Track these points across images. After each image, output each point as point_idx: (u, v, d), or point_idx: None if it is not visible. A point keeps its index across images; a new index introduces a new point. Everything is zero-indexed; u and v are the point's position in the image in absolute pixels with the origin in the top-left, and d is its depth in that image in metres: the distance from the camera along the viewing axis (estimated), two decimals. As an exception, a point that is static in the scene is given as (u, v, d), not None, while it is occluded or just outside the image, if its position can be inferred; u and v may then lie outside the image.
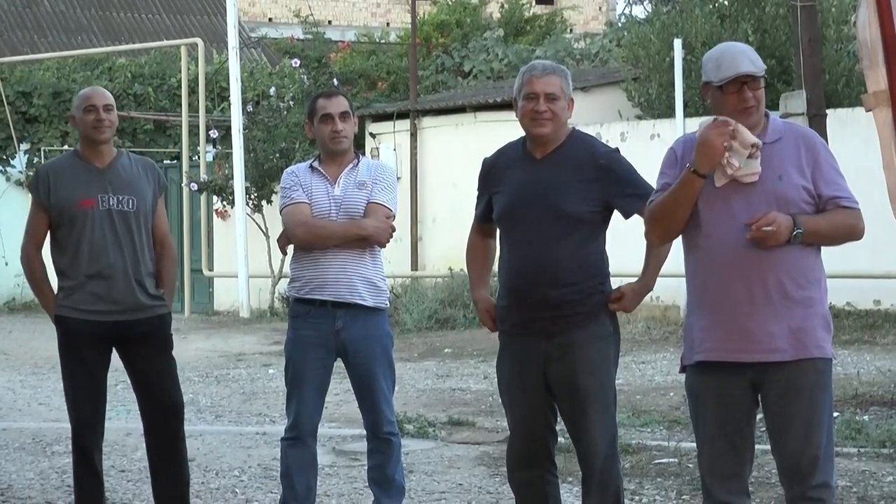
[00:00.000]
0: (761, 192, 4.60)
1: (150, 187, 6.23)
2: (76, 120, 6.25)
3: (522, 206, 5.32)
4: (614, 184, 5.33)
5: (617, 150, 5.47)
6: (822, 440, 4.66)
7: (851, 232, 4.71)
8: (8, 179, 23.55)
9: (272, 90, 20.89)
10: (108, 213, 6.10)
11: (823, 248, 4.76)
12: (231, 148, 19.54)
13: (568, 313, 5.26)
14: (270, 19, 34.00)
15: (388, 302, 6.33)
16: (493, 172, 5.48)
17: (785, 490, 4.77)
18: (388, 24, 34.08)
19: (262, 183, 19.65)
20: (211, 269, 21.35)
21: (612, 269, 5.45)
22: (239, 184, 19.25)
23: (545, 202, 5.28)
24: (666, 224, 4.78)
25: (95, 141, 6.18)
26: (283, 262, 18.37)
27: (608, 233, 5.44)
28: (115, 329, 6.11)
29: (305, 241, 6.18)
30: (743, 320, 4.61)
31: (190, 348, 15.32)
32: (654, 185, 4.87)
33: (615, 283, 5.44)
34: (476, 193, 5.66)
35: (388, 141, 20.98)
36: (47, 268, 6.24)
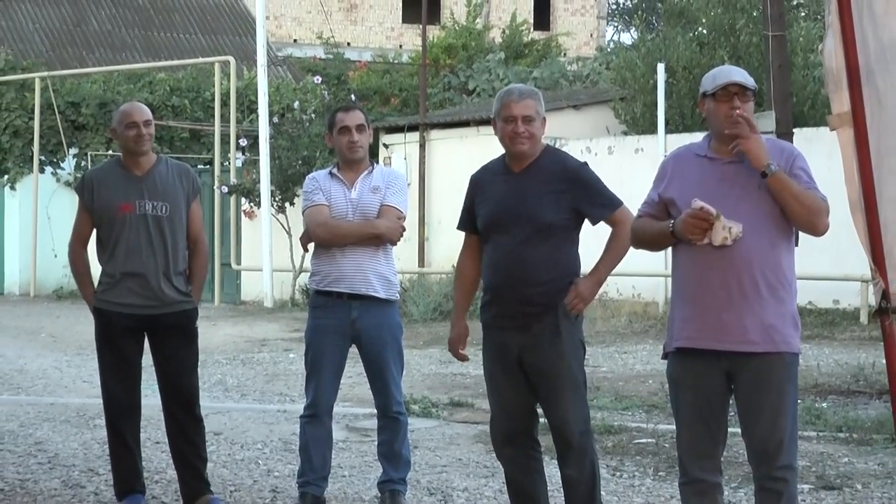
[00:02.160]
0: (743, 197, 4.58)
1: (184, 192, 6.16)
2: (117, 134, 6.16)
3: (503, 215, 5.30)
4: (583, 193, 5.30)
5: (585, 163, 5.45)
6: (787, 426, 4.64)
7: (817, 213, 4.58)
8: (58, 180, 23.62)
9: (296, 104, 20.91)
10: (144, 218, 6.06)
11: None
12: (258, 155, 19.56)
13: (540, 309, 5.24)
14: (295, 40, 34.01)
15: (398, 294, 6.33)
16: (479, 186, 5.45)
17: (753, 470, 4.74)
18: (400, 46, 34.10)
19: (286, 187, 19.65)
20: (239, 264, 21.35)
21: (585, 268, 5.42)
22: (265, 187, 19.27)
23: (523, 211, 5.27)
24: (647, 248, 4.91)
25: (136, 153, 6.11)
26: (303, 257, 18.34)
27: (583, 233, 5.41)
28: (146, 321, 6.10)
29: (325, 239, 6.18)
30: (719, 312, 4.59)
31: (219, 334, 15.33)
32: (644, 193, 4.86)
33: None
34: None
35: (400, 151, 21.02)
36: (92, 262, 6.23)
